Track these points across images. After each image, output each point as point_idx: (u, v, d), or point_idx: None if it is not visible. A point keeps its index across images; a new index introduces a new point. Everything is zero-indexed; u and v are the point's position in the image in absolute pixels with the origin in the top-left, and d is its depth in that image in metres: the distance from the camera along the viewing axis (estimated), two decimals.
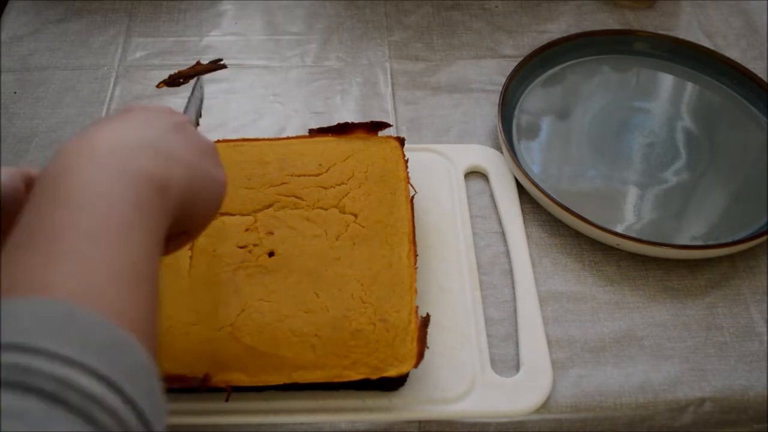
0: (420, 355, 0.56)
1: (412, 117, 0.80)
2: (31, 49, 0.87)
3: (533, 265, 0.68)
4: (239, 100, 0.82)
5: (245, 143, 0.71)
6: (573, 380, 0.60)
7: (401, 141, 0.70)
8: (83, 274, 0.34)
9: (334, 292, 0.60)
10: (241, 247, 0.62)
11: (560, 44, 0.84)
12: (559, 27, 0.91)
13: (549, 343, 0.62)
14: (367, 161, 0.69)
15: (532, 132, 0.78)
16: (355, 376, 0.56)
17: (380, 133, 0.71)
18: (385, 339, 0.57)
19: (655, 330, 0.64)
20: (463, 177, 0.74)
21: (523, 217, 0.71)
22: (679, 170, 0.74)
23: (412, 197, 0.67)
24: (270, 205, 0.65)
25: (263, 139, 0.72)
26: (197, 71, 0.85)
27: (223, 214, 0.64)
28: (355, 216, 0.65)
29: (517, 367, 0.61)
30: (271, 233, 0.63)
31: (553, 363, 0.61)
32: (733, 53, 0.87)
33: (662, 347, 0.63)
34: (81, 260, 0.34)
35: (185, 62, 0.86)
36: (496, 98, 0.77)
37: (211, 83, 0.84)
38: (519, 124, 0.78)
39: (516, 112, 0.79)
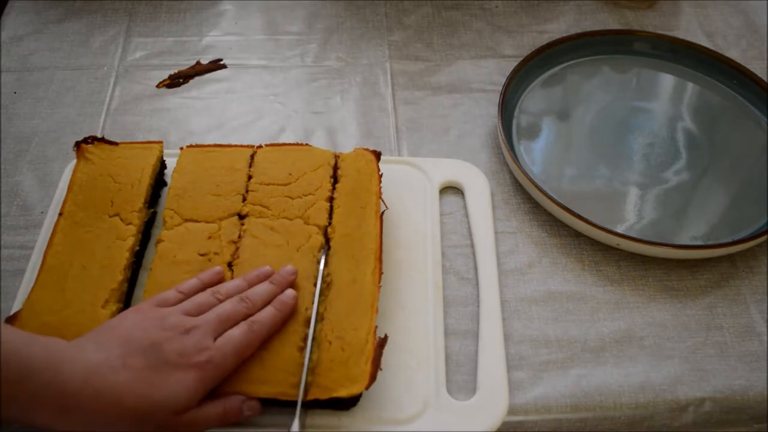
0: (372, 377, 0.54)
1: (412, 117, 0.80)
2: (31, 49, 0.87)
3: (533, 265, 0.68)
4: (239, 100, 0.82)
5: (217, 149, 0.70)
6: (573, 380, 0.60)
7: (377, 155, 0.69)
8: None
9: None
10: (202, 255, 0.61)
11: (560, 44, 0.84)
12: (559, 27, 0.91)
13: (548, 343, 0.62)
14: (340, 173, 0.67)
15: (532, 132, 0.78)
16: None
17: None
18: (339, 358, 0.55)
19: (655, 330, 0.64)
20: (438, 192, 0.72)
21: (523, 217, 0.71)
22: (679, 170, 0.74)
23: (383, 213, 0.66)
24: (235, 213, 0.64)
25: (236, 146, 0.71)
26: (197, 71, 0.85)
27: (187, 221, 0.64)
28: (320, 228, 0.63)
29: (474, 391, 0.59)
30: (233, 242, 0.62)
31: (553, 363, 0.61)
32: (733, 53, 0.87)
33: (662, 347, 0.62)
34: None
35: (185, 62, 0.86)
36: (496, 98, 0.77)
37: (211, 83, 0.84)
38: (519, 124, 0.78)
39: (516, 112, 0.79)
